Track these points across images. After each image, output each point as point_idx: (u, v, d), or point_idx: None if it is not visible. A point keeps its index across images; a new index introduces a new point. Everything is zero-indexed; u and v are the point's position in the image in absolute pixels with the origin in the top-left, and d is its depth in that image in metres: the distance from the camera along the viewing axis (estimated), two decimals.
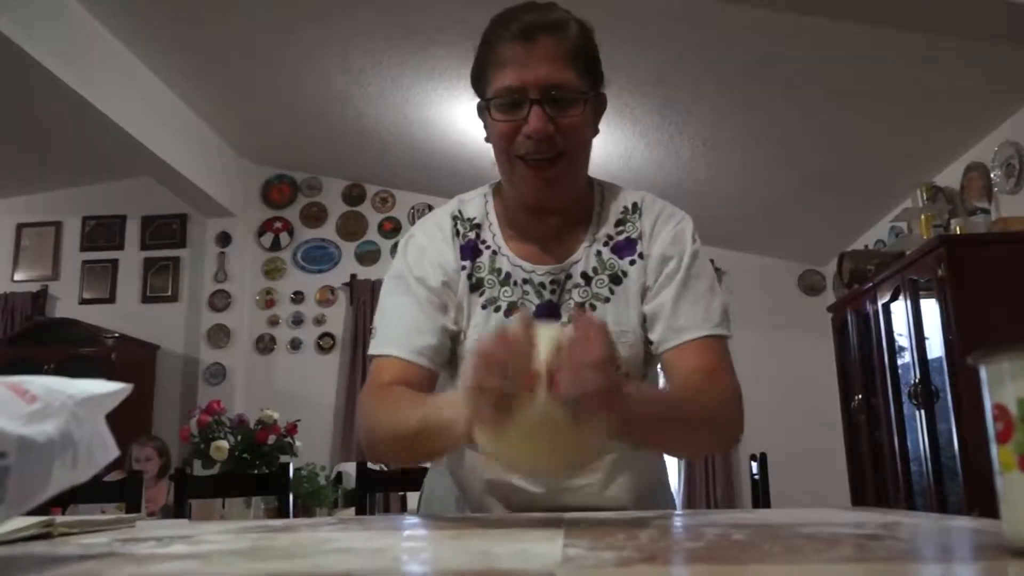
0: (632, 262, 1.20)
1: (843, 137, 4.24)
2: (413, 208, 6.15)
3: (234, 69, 4.81)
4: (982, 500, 3.01)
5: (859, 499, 4.34)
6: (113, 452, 0.61)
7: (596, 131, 1.20)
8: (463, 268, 1.21)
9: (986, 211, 3.72)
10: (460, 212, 1.25)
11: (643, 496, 1.22)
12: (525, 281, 1.20)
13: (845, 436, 4.54)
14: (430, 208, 6.10)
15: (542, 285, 1.19)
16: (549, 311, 1.18)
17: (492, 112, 1.13)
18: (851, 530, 0.66)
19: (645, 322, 1.19)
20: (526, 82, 1.09)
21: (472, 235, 1.23)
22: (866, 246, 5.02)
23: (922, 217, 3.90)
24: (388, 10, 3.92)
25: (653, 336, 1.17)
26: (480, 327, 1.18)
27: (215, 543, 0.68)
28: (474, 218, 1.24)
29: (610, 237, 1.22)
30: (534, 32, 1.09)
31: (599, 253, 1.21)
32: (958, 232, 3.53)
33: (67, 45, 4.03)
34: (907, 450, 3.76)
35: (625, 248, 1.21)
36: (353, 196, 6.25)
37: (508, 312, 1.18)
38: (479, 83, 1.17)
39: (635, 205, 1.24)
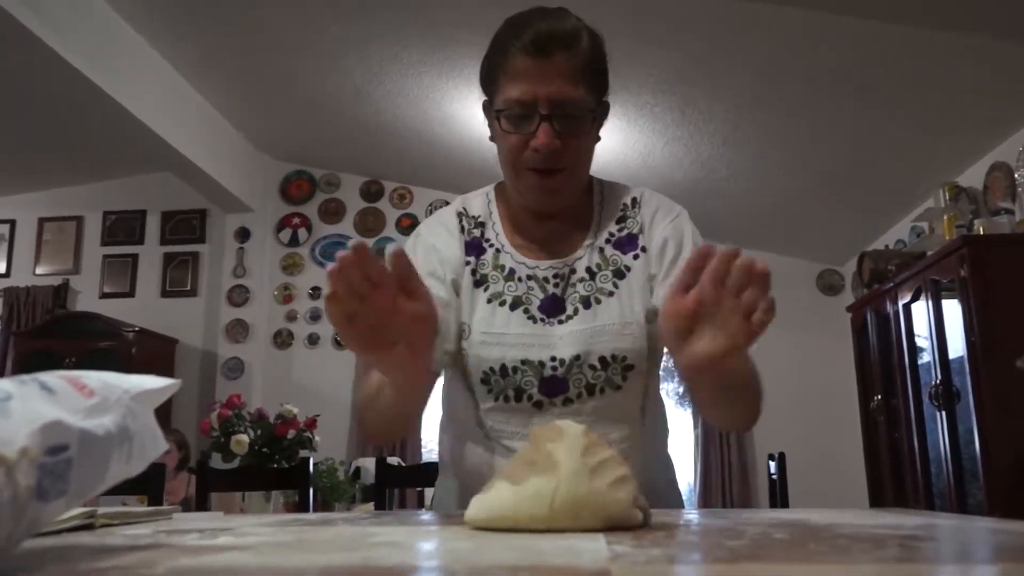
0: (635, 256, 1.22)
1: (864, 136, 4.21)
2: (431, 205, 6.16)
3: (254, 66, 4.83)
4: (1003, 502, 2.99)
5: (877, 500, 4.32)
6: (163, 446, 0.62)
7: (598, 138, 1.22)
8: (467, 264, 1.23)
9: (1010, 211, 3.68)
10: (465, 209, 1.28)
11: (652, 496, 1.22)
12: (529, 277, 1.22)
13: (864, 436, 4.52)
14: (447, 205, 6.11)
15: (545, 280, 1.21)
16: (553, 305, 1.20)
17: (501, 123, 1.15)
18: (891, 531, 0.66)
19: (651, 316, 1.19)
20: (537, 96, 1.10)
21: (477, 232, 1.26)
22: (886, 246, 4.99)
23: (944, 217, 3.87)
24: (409, 8, 3.93)
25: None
26: (484, 321, 1.19)
27: (259, 535, 0.69)
28: (478, 216, 1.27)
29: (612, 234, 1.25)
30: (548, 46, 1.09)
31: (601, 250, 1.23)
32: (981, 232, 3.50)
33: (90, 41, 4.06)
34: (927, 451, 3.74)
35: (627, 243, 1.24)
36: (371, 192, 6.27)
37: (513, 306, 1.20)
38: (488, 85, 1.18)
39: (634, 200, 1.27)
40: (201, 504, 2.66)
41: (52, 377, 0.53)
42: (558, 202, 1.21)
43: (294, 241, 6.24)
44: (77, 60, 3.91)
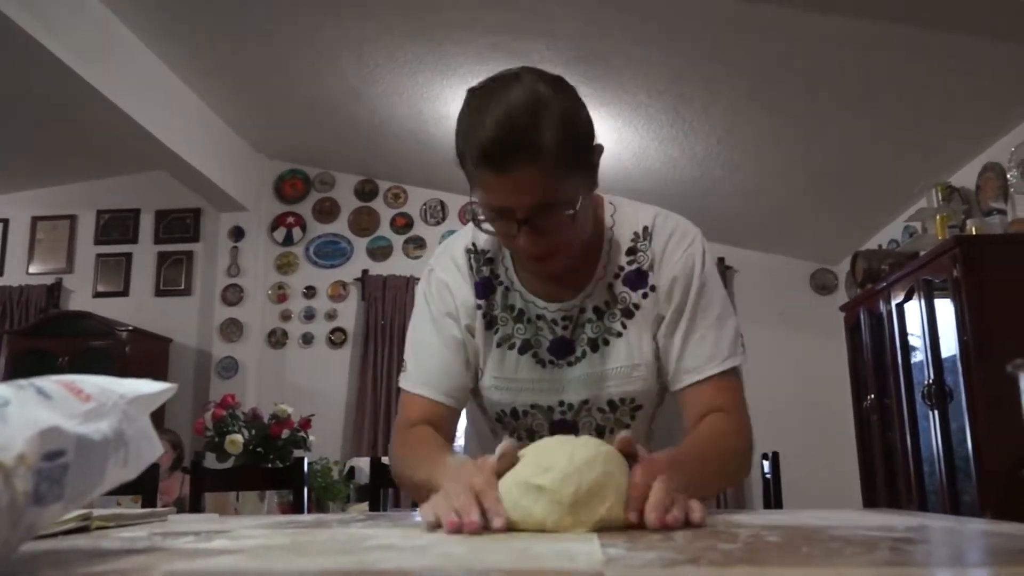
0: (644, 295, 1.18)
1: (858, 136, 4.22)
2: (425, 204, 6.17)
3: (249, 64, 4.82)
4: (996, 501, 3.01)
5: (870, 499, 4.33)
6: (158, 450, 0.62)
7: (595, 185, 1.12)
8: (479, 307, 1.22)
9: (1002, 212, 3.70)
10: (474, 245, 1.24)
11: None
12: (538, 317, 1.21)
13: (857, 436, 4.53)
14: (442, 204, 6.12)
15: (554, 321, 1.20)
16: (562, 347, 1.20)
17: (482, 221, 1.08)
18: (883, 533, 0.66)
19: (658, 354, 1.19)
20: (511, 205, 1.02)
21: (486, 270, 1.23)
22: (879, 246, 5.00)
23: (937, 217, 3.89)
24: (404, 7, 3.92)
25: (666, 376, 1.18)
26: (495, 365, 1.21)
27: (254, 538, 0.70)
28: (487, 251, 1.24)
29: (621, 268, 1.19)
30: (507, 161, 0.97)
31: (610, 286, 1.19)
32: (974, 232, 3.52)
33: (85, 40, 4.05)
34: (919, 450, 3.75)
35: (636, 280, 1.19)
36: (365, 192, 6.27)
37: (523, 349, 1.20)
38: (460, 163, 1.07)
39: (646, 230, 1.20)
40: (195, 504, 2.65)
41: (49, 382, 0.53)
42: (559, 271, 1.15)
43: (288, 240, 6.23)
44: (70, 58, 3.90)
